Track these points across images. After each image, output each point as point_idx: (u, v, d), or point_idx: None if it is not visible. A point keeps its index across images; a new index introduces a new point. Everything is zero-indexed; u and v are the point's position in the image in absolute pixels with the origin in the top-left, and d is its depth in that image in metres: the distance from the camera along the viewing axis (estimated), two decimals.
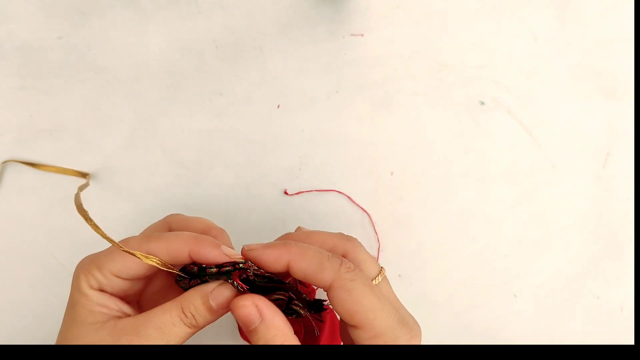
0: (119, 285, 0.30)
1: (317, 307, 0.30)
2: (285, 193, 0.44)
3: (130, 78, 0.44)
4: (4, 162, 0.43)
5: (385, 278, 0.30)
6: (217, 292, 0.29)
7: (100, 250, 0.32)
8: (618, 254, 0.45)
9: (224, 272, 0.29)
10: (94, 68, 0.44)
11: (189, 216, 0.35)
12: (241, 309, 0.28)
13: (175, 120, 0.44)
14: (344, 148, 0.44)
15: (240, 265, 0.29)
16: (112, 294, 0.30)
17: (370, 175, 0.44)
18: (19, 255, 0.43)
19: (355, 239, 0.31)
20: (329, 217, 0.44)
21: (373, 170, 0.44)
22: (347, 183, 0.44)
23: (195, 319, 0.29)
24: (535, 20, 0.46)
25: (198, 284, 0.30)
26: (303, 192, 0.44)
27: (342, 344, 0.32)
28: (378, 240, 0.44)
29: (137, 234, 0.32)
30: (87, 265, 0.31)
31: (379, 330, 0.27)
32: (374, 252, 0.44)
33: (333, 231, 0.43)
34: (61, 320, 0.31)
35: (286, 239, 0.30)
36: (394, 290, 0.32)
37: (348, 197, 0.44)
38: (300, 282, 0.35)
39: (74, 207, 0.32)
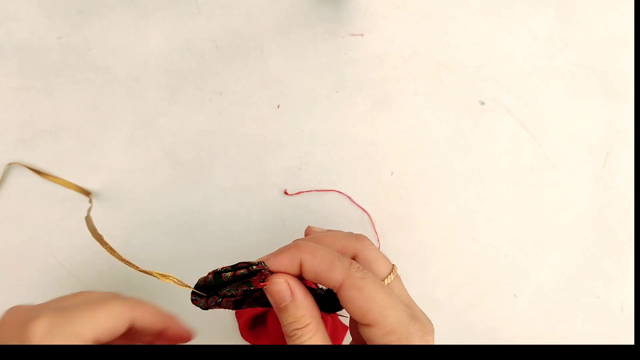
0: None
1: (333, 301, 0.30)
2: (285, 193, 0.44)
3: (130, 78, 0.44)
4: (9, 165, 0.43)
5: (397, 276, 0.30)
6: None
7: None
8: (618, 254, 0.45)
9: (240, 275, 0.28)
10: (94, 68, 0.44)
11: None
12: (274, 285, 0.28)
13: (175, 120, 0.44)
14: (344, 148, 0.44)
15: (254, 267, 0.29)
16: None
17: (370, 175, 0.44)
18: (19, 255, 0.43)
19: (365, 238, 0.31)
20: (329, 217, 0.44)
21: (373, 170, 0.44)
22: (347, 183, 0.44)
23: None
24: (535, 20, 0.46)
25: (216, 302, 0.29)
26: (303, 192, 0.44)
27: (343, 343, 0.32)
28: (378, 240, 0.44)
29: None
30: (64, 332, 0.27)
31: (392, 327, 0.27)
32: None
33: (336, 230, 0.44)
34: None
35: (297, 242, 0.30)
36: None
37: (348, 197, 0.44)
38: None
39: (84, 222, 0.31)
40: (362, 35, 0.45)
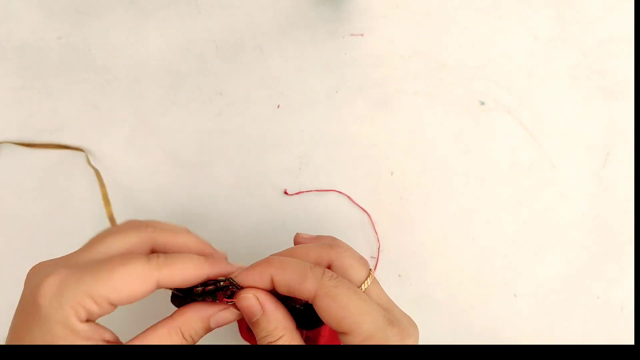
0: (110, 310, 0.27)
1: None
2: (285, 193, 0.44)
3: (130, 78, 0.44)
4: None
5: (374, 281, 0.30)
6: (220, 317, 0.29)
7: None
8: (618, 254, 0.45)
9: (209, 292, 0.29)
10: (94, 68, 0.44)
11: (169, 226, 0.31)
12: (243, 300, 0.28)
13: (175, 120, 0.44)
14: (344, 148, 0.44)
15: (221, 283, 0.29)
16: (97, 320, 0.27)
17: (370, 175, 0.44)
18: (18, 255, 0.43)
19: (339, 245, 0.31)
20: (329, 217, 0.44)
21: (373, 170, 0.44)
22: (347, 183, 0.44)
23: (192, 338, 0.29)
24: (535, 20, 0.46)
25: (188, 301, 0.30)
26: (303, 192, 0.44)
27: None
28: (378, 240, 0.44)
29: None
30: (75, 292, 0.25)
31: (368, 333, 0.27)
32: (374, 252, 0.44)
33: (333, 232, 0.44)
34: None
35: (267, 260, 0.30)
36: (391, 291, 0.32)
37: (348, 197, 0.44)
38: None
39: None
40: (362, 35, 0.45)
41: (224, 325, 0.30)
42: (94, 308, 0.26)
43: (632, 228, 0.45)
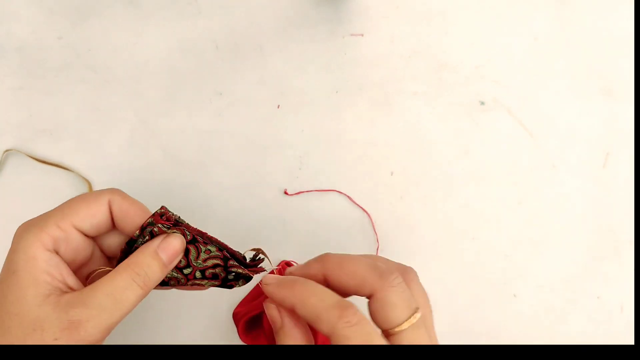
0: (75, 243, 0.29)
1: (253, 265, 0.32)
2: (285, 193, 0.44)
3: (130, 78, 0.44)
4: (6, 152, 0.43)
5: (417, 324, 0.28)
6: (165, 243, 0.29)
7: None
8: (618, 254, 0.45)
9: (147, 225, 0.30)
10: (94, 68, 0.44)
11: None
12: (268, 309, 0.29)
13: (175, 120, 0.44)
14: (344, 148, 0.44)
15: (157, 211, 0.31)
16: (63, 259, 0.28)
17: (370, 175, 0.44)
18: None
19: (390, 276, 0.28)
20: (329, 217, 0.44)
21: (373, 170, 0.44)
22: (347, 183, 0.44)
23: (148, 277, 0.29)
24: (535, 20, 0.46)
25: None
26: (303, 192, 0.44)
27: None
28: (377, 240, 0.44)
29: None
30: (40, 221, 0.28)
31: None
32: (373, 252, 0.44)
33: (333, 232, 0.44)
34: None
35: (322, 261, 0.30)
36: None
37: (348, 197, 0.44)
38: None
39: None
40: (362, 35, 0.45)
41: (175, 255, 0.30)
42: (57, 232, 0.28)
43: (632, 228, 0.45)
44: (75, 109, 0.44)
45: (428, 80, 0.45)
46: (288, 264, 0.41)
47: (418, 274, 0.31)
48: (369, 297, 0.28)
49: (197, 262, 0.31)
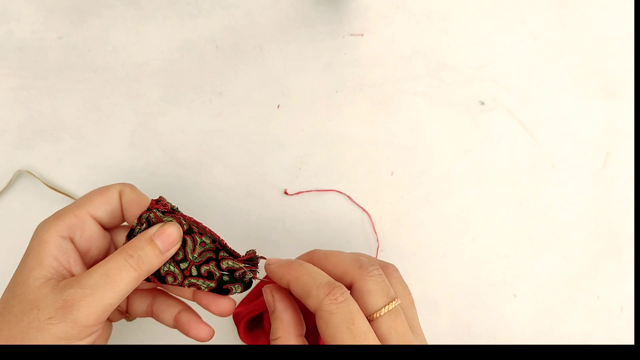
0: (90, 231, 0.31)
1: (250, 260, 0.33)
2: (285, 193, 0.44)
3: (130, 78, 0.44)
4: (18, 171, 0.43)
5: (394, 313, 0.29)
6: (161, 231, 0.30)
7: None
8: (618, 254, 0.45)
9: (143, 214, 0.31)
10: (94, 68, 0.44)
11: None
12: (265, 293, 0.32)
13: (175, 120, 0.44)
14: (344, 148, 0.44)
15: (154, 200, 0.32)
16: (77, 247, 0.30)
17: (370, 175, 0.44)
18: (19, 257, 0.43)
19: (370, 267, 0.30)
20: (329, 217, 0.44)
21: (373, 170, 0.44)
22: (347, 183, 0.44)
23: (142, 260, 0.29)
24: (535, 20, 0.46)
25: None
26: (303, 192, 0.44)
27: None
28: (377, 240, 0.44)
29: None
30: (59, 211, 0.30)
31: None
32: (372, 252, 0.44)
33: (333, 232, 0.44)
34: None
35: (310, 255, 0.32)
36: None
37: (348, 197, 0.44)
38: None
39: None
40: (362, 35, 0.45)
41: (172, 243, 0.30)
42: (72, 219, 0.30)
43: (632, 228, 0.45)
44: (75, 109, 0.44)
45: (428, 80, 0.45)
46: None
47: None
48: (350, 287, 0.30)
49: (192, 256, 0.31)
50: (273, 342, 0.30)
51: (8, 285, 0.29)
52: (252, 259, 0.33)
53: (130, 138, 0.44)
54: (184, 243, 0.31)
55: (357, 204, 0.44)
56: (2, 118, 0.43)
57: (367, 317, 0.29)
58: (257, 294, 0.42)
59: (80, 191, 0.43)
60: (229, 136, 0.44)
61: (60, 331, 0.26)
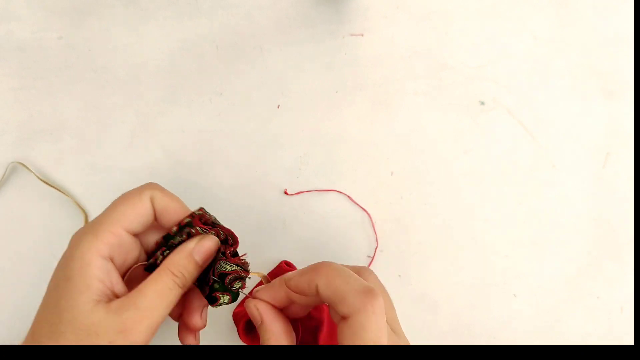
0: (126, 246, 0.30)
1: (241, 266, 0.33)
2: (285, 193, 0.44)
3: (130, 78, 0.44)
4: (12, 163, 0.43)
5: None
6: (199, 246, 0.31)
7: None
8: (618, 254, 0.45)
9: (185, 224, 0.31)
10: (94, 68, 0.44)
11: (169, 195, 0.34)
12: (248, 308, 0.31)
13: (175, 120, 0.44)
14: (344, 148, 0.44)
15: (196, 212, 0.32)
16: (115, 264, 0.30)
17: (370, 175, 0.44)
18: (19, 256, 0.43)
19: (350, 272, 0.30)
20: (329, 217, 0.44)
21: (373, 170, 0.44)
22: (347, 183, 0.44)
23: (186, 278, 0.30)
24: (535, 20, 0.46)
25: (165, 253, 0.32)
26: (303, 192, 0.44)
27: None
28: (377, 240, 0.44)
29: None
30: (94, 228, 0.29)
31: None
32: (371, 252, 0.44)
33: (333, 232, 0.44)
34: None
35: (316, 270, 0.30)
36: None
37: (348, 196, 0.44)
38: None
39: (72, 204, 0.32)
40: (362, 35, 0.45)
41: (208, 255, 0.31)
42: (111, 238, 0.29)
43: (632, 228, 0.45)
44: (75, 109, 0.44)
45: (428, 80, 0.45)
46: (287, 263, 0.41)
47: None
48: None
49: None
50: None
51: (48, 310, 0.28)
52: (243, 265, 0.32)
53: (130, 138, 0.44)
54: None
55: (357, 204, 0.44)
56: (2, 118, 0.43)
57: (345, 316, 0.28)
58: None
59: (80, 191, 0.43)
60: (229, 136, 0.44)
61: None
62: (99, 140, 0.44)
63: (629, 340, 0.44)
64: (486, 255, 0.44)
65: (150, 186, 0.32)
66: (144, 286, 0.29)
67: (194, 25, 0.45)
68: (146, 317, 0.28)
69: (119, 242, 0.30)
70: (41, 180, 0.42)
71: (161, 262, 0.31)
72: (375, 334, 0.27)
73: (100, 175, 0.43)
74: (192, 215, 0.32)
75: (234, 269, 0.32)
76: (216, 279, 0.31)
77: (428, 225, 0.44)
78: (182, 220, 0.32)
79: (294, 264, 0.42)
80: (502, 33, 0.46)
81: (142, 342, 0.28)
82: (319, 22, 0.45)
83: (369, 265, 0.43)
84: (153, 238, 0.33)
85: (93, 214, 0.43)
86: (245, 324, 0.41)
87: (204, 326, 0.33)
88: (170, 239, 0.32)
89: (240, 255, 0.33)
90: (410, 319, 0.42)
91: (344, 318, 0.27)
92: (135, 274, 0.32)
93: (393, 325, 0.31)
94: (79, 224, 0.43)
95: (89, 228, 0.30)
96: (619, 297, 0.44)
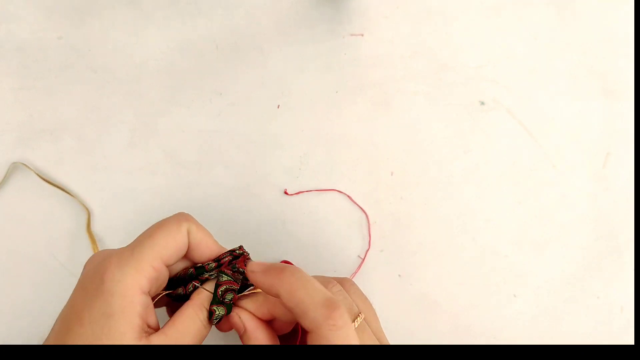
0: (162, 278, 0.30)
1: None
2: (285, 193, 0.44)
3: (130, 78, 0.44)
4: (13, 164, 0.43)
5: (359, 328, 0.29)
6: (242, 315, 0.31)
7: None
8: (618, 254, 0.45)
9: (225, 264, 0.31)
10: (94, 68, 0.44)
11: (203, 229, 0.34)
12: (230, 317, 0.31)
13: (175, 120, 0.44)
14: (344, 148, 0.44)
15: (237, 251, 0.32)
16: (150, 296, 0.30)
17: (370, 175, 0.44)
18: (19, 255, 0.43)
19: (328, 284, 0.30)
20: (329, 217, 0.44)
21: (373, 170, 0.44)
22: (347, 183, 0.44)
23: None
24: (535, 20, 0.46)
25: (194, 286, 0.31)
26: (303, 192, 0.44)
27: None
28: (369, 242, 0.43)
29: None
30: (134, 260, 0.28)
31: None
32: (370, 252, 0.44)
33: (333, 232, 0.44)
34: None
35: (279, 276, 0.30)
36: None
37: (348, 196, 0.44)
38: None
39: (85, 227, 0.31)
40: (362, 35, 0.45)
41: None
42: (152, 273, 0.28)
43: (632, 228, 0.45)
44: (75, 109, 0.44)
45: (428, 80, 0.45)
46: (287, 263, 0.41)
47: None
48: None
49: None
50: None
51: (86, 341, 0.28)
52: (237, 255, 0.33)
53: (130, 138, 0.44)
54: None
55: (357, 204, 0.44)
56: (2, 118, 0.43)
57: None
58: None
59: (80, 191, 0.43)
60: (229, 136, 0.44)
61: None
62: (99, 140, 0.44)
63: (629, 340, 0.44)
64: (486, 255, 0.44)
65: (187, 218, 0.31)
66: (179, 322, 0.29)
67: (194, 25, 0.45)
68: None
69: (157, 277, 0.29)
70: (43, 179, 0.42)
71: (191, 293, 0.31)
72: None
73: (100, 175, 0.43)
74: (232, 253, 0.32)
75: (227, 279, 0.31)
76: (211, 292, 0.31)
77: (428, 225, 0.44)
78: (221, 257, 0.32)
79: (295, 264, 0.42)
80: (502, 33, 0.46)
81: None
82: (319, 22, 0.45)
83: (358, 267, 0.43)
84: (179, 266, 0.33)
85: (95, 213, 0.43)
86: None
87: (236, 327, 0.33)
88: (203, 273, 0.31)
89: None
90: (410, 319, 0.42)
91: (309, 331, 0.27)
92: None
93: (378, 335, 0.30)
94: (81, 223, 0.43)
95: (129, 259, 0.28)
96: (619, 296, 0.44)
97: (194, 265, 0.32)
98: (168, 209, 0.43)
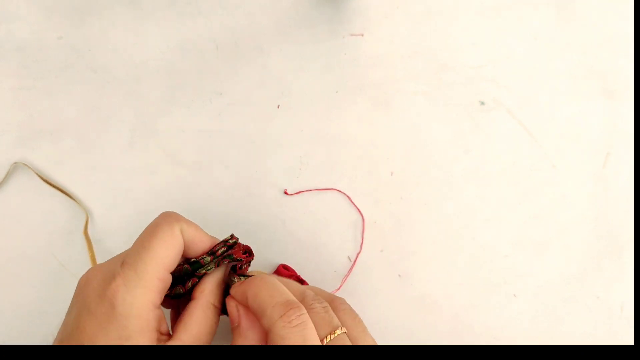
0: (167, 285, 0.30)
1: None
2: (285, 193, 0.44)
3: (130, 78, 0.44)
4: (14, 164, 0.43)
5: (335, 340, 0.28)
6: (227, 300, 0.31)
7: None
8: (618, 254, 0.45)
9: (221, 258, 0.32)
10: (94, 68, 0.44)
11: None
12: (228, 305, 0.31)
13: (175, 120, 0.44)
14: (344, 148, 0.44)
15: (230, 240, 0.33)
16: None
17: (370, 175, 0.44)
18: (19, 255, 0.43)
19: (311, 301, 0.30)
20: (329, 217, 0.44)
21: (373, 170, 0.44)
22: (347, 183, 0.44)
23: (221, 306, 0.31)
24: (535, 20, 0.46)
25: (194, 282, 0.32)
26: (303, 192, 0.44)
27: None
28: (361, 245, 0.43)
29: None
30: (142, 274, 0.28)
31: None
32: (362, 255, 0.44)
33: (333, 232, 0.44)
34: (60, 321, 0.31)
35: (254, 278, 0.31)
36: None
37: (348, 196, 0.44)
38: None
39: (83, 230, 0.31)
40: (362, 35, 0.45)
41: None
42: (160, 285, 0.29)
43: (632, 228, 0.45)
44: (75, 109, 0.44)
45: (428, 80, 0.45)
46: (285, 267, 0.41)
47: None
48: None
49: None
50: None
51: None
52: (232, 245, 0.33)
53: (130, 138, 0.44)
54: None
55: (354, 205, 0.44)
56: (2, 118, 0.43)
57: None
58: None
59: (79, 191, 0.43)
60: (229, 136, 0.44)
61: None
62: (99, 140, 0.44)
63: (629, 340, 0.44)
64: (486, 255, 0.44)
65: (176, 218, 0.31)
66: (190, 324, 0.30)
67: (194, 25, 0.45)
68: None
69: (165, 285, 0.30)
70: (44, 180, 0.42)
71: (191, 290, 0.31)
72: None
73: (100, 175, 0.43)
74: (225, 244, 0.32)
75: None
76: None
77: (428, 225, 0.44)
78: (215, 249, 0.32)
79: (294, 264, 0.42)
80: (502, 33, 0.46)
81: None
82: (319, 22, 0.45)
83: (349, 270, 0.43)
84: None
85: (94, 215, 0.43)
86: None
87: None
88: (198, 268, 0.31)
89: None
90: (410, 319, 0.42)
91: (267, 331, 0.27)
92: None
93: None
94: (81, 224, 0.43)
95: (135, 279, 0.28)
96: (619, 297, 0.44)
97: (187, 260, 0.32)
98: (168, 209, 0.43)
